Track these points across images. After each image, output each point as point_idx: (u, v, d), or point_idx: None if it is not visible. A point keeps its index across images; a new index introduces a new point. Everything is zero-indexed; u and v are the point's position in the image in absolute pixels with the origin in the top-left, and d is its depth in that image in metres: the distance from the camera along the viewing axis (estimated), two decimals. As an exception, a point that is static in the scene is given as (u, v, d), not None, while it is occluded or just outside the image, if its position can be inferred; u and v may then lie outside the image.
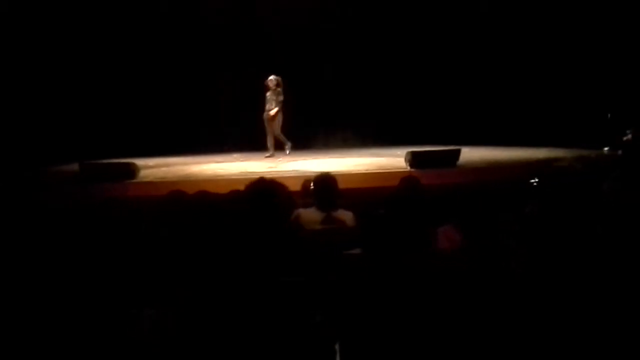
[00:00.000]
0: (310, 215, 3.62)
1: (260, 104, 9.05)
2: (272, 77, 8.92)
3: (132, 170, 7.05)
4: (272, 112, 8.77)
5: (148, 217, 3.20)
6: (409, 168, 7.05)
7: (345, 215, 3.70)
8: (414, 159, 7.13)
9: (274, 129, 8.90)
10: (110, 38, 10.32)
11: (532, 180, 4.52)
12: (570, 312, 2.13)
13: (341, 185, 4.03)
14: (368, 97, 10.81)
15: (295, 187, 4.50)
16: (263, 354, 2.05)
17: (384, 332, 2.15)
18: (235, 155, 9.54)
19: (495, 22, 10.24)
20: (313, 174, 4.14)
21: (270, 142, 8.95)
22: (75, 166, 7.51)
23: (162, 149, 9.77)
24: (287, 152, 9.01)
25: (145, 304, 2.12)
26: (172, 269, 2.35)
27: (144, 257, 2.55)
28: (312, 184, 3.95)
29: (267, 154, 8.91)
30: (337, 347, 2.24)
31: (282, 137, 9.00)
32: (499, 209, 3.09)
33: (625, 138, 3.79)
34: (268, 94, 8.91)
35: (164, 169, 8.23)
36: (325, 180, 3.86)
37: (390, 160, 8.12)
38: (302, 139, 9.72)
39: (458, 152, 7.41)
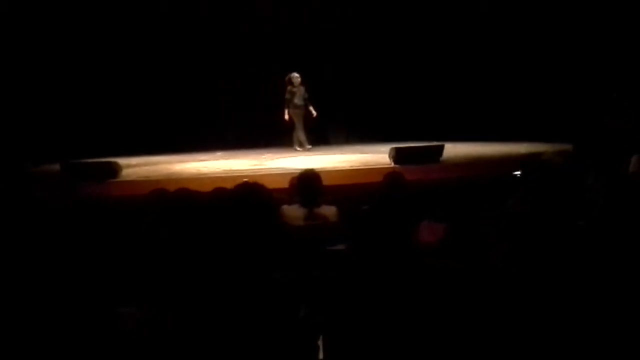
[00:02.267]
0: (293, 211, 3.62)
1: (257, 103, 9.24)
2: (296, 74, 9.23)
3: (114, 169, 6.99)
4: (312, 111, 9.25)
5: (130, 216, 3.18)
6: (392, 164, 7.07)
7: (329, 211, 3.70)
8: (398, 155, 7.16)
9: (302, 124, 9.28)
10: (93, 35, 10.19)
11: (515, 173, 4.57)
12: (555, 307, 2.14)
13: (326, 181, 4.03)
14: (352, 95, 10.82)
15: (280, 184, 4.50)
16: (246, 348, 2.05)
17: (368, 328, 2.16)
18: (219, 154, 9.51)
19: (475, 20, 10.30)
20: (298, 171, 4.13)
21: (302, 136, 9.33)
22: (56, 166, 7.43)
23: (144, 148, 9.69)
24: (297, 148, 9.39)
25: (126, 303, 2.10)
26: (154, 266, 2.33)
27: (127, 255, 2.53)
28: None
29: (309, 147, 9.33)
30: (320, 342, 2.25)
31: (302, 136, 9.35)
32: (482, 204, 3.11)
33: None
34: (295, 89, 9.20)
35: (146, 167, 8.16)
36: (307, 177, 3.86)
37: (374, 156, 8.13)
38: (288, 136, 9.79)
39: (441, 148, 7.45)
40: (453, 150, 7.97)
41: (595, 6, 8.98)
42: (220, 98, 10.82)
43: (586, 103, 8.65)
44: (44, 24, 9.77)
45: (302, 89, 9.29)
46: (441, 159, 7.35)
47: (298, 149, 9.33)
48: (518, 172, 4.29)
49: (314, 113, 9.33)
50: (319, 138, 10.21)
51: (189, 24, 10.59)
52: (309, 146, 9.35)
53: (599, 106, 8.41)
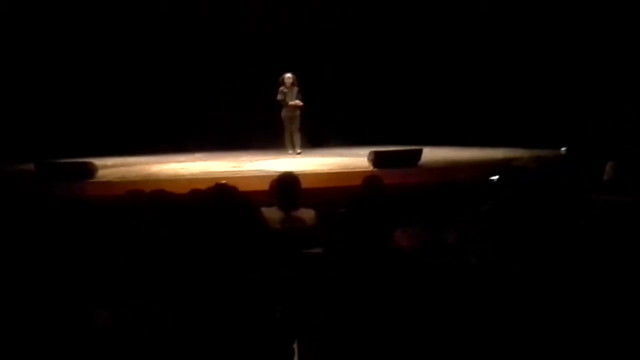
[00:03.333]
0: (270, 214, 3.60)
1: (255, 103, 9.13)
2: (289, 75, 9.02)
3: (90, 170, 6.90)
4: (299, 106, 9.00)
5: (106, 217, 3.14)
6: (371, 167, 7.10)
7: (307, 214, 3.69)
8: (377, 159, 7.18)
9: (297, 126, 9.12)
10: (79, 33, 10.05)
11: (492, 177, 4.61)
12: (539, 307, 2.15)
13: (305, 184, 4.02)
14: (334, 97, 10.84)
15: (257, 186, 4.48)
16: (221, 351, 2.03)
17: (343, 332, 2.15)
18: (197, 155, 9.44)
19: (457, 27, 10.38)
20: (276, 174, 4.12)
21: (289, 141, 9.14)
22: (30, 166, 7.31)
23: (121, 148, 9.58)
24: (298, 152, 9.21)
25: (99, 304, 2.08)
26: (128, 267, 2.30)
27: (105, 255, 2.50)
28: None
29: (298, 151, 9.10)
30: (295, 346, 2.24)
31: (298, 137, 9.17)
32: (459, 208, 3.13)
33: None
34: (286, 90, 8.97)
35: (123, 168, 8.06)
36: (286, 179, 3.85)
37: (353, 160, 8.15)
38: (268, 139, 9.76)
39: (420, 152, 7.50)
40: (431, 154, 8.04)
41: (577, 9, 9.08)
42: (220, 98, 10.75)
43: (576, 107, 8.75)
44: (24, 21, 9.60)
45: (295, 89, 9.02)
46: (419, 163, 7.40)
47: (289, 151, 9.18)
48: (495, 177, 4.33)
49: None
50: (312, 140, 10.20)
51: (188, 24, 10.51)
52: (291, 151, 9.18)
53: (596, 109, 8.51)
